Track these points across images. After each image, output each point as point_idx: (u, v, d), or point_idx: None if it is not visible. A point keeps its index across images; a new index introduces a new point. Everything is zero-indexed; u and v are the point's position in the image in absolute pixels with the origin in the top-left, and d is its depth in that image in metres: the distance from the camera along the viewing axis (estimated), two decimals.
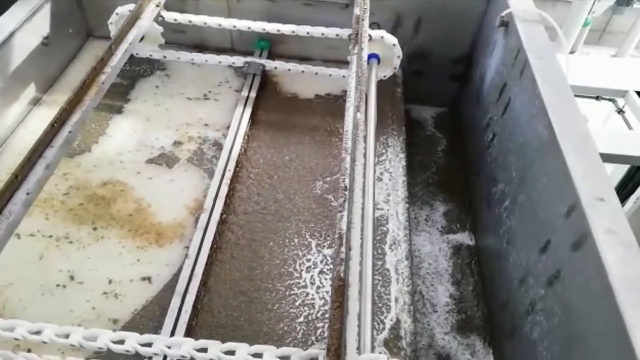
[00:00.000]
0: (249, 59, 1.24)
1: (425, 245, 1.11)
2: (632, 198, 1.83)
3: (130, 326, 0.80)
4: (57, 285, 0.85)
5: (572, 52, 3.03)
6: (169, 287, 0.85)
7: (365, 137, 0.92)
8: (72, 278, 0.87)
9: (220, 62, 1.21)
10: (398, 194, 1.07)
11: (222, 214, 0.96)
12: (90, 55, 1.35)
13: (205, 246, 0.90)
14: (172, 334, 0.78)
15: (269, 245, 0.94)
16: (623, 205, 1.95)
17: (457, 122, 1.40)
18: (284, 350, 0.60)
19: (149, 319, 0.82)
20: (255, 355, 0.60)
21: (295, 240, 0.95)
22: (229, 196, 1.00)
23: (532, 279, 0.80)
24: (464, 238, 1.13)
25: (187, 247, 0.91)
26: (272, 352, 0.60)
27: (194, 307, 0.82)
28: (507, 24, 1.04)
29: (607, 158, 1.41)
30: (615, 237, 0.62)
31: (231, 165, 1.04)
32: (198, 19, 1.12)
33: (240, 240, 0.94)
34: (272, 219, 0.98)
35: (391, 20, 1.28)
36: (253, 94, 1.22)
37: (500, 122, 1.03)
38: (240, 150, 1.09)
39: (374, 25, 1.29)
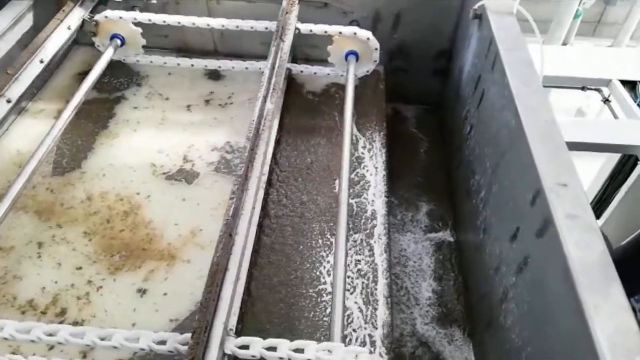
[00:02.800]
0: None
1: (410, 245, 1.14)
2: (624, 188, 1.83)
3: None
4: None
5: (564, 44, 3.03)
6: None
7: (343, 129, 0.94)
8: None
9: (247, 67, 1.22)
10: (379, 187, 1.08)
11: (260, 218, 0.97)
12: (74, 62, 1.37)
13: (248, 250, 0.90)
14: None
15: (299, 249, 0.95)
16: (615, 195, 1.95)
17: (441, 120, 1.41)
18: (161, 335, 0.64)
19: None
20: (131, 340, 0.63)
21: (320, 241, 0.96)
22: (257, 200, 1.00)
23: (505, 267, 0.80)
24: (446, 236, 1.15)
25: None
26: (148, 337, 0.63)
27: (240, 310, 0.83)
28: (480, 16, 1.05)
29: (592, 147, 1.42)
30: (576, 222, 0.63)
31: (265, 169, 1.05)
32: (143, 16, 1.14)
33: (275, 245, 0.95)
34: (299, 221, 1.00)
35: (370, 17, 1.29)
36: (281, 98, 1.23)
37: (476, 114, 1.04)
38: (272, 153, 1.10)
39: (353, 22, 1.30)
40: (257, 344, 0.62)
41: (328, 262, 0.93)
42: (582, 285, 0.57)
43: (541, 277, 0.67)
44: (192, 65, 1.23)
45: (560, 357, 0.61)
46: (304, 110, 1.25)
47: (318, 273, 0.91)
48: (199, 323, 0.60)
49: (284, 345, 0.62)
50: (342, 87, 1.31)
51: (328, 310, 0.86)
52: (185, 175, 1.06)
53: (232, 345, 0.63)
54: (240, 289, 0.67)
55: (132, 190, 1.03)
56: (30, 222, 0.96)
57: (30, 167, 0.86)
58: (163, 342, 0.63)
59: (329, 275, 0.91)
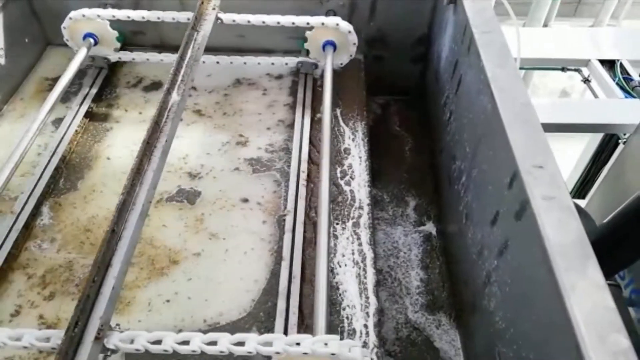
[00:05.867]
0: (300, 58, 1.25)
1: (401, 237, 1.16)
2: (607, 167, 1.85)
3: None
4: None
5: (545, 25, 3.03)
6: (268, 292, 0.86)
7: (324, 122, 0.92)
8: None
9: (272, 63, 1.21)
10: (363, 177, 1.08)
11: (305, 214, 0.97)
12: (50, 63, 1.35)
13: (298, 247, 0.91)
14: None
15: (331, 242, 0.94)
16: (599, 175, 1.97)
17: (423, 108, 1.41)
18: (45, 333, 0.64)
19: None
20: (13, 338, 0.64)
21: (346, 232, 0.97)
22: (300, 196, 1.01)
23: (486, 251, 0.81)
24: (432, 227, 1.17)
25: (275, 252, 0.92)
26: (32, 335, 0.64)
27: (299, 310, 0.83)
28: (455, 0, 1.05)
29: (574, 128, 1.43)
30: (553, 203, 0.63)
31: (304, 167, 1.05)
32: (107, 13, 1.12)
33: (312, 239, 0.94)
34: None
35: (346, 6, 1.28)
36: (309, 94, 1.23)
37: (455, 100, 1.03)
38: (308, 149, 1.09)
39: (330, 12, 1.29)
40: (141, 338, 0.63)
41: (336, 250, 0.94)
42: (559, 265, 0.57)
43: (521, 259, 0.68)
44: (259, 63, 1.22)
45: (540, 337, 0.61)
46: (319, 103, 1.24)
47: (336, 263, 0.92)
48: (71, 320, 0.61)
49: (169, 338, 0.63)
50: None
51: (344, 304, 0.86)
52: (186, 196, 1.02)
53: (116, 339, 0.64)
54: (118, 283, 0.68)
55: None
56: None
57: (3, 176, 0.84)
58: (47, 340, 0.63)
59: (340, 266, 0.91)
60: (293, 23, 1.13)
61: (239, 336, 0.65)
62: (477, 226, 0.86)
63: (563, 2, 3.45)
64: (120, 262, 0.67)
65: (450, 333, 0.95)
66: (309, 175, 1.05)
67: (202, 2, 1.04)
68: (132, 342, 0.64)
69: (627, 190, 1.41)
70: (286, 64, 1.23)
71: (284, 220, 0.97)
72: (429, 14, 1.28)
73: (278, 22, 1.13)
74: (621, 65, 1.60)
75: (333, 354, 0.62)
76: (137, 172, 0.76)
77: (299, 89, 1.24)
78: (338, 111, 1.21)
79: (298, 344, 0.62)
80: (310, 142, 1.12)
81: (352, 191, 1.05)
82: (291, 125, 1.17)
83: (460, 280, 0.97)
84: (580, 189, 2.06)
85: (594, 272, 0.57)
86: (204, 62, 1.21)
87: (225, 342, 0.64)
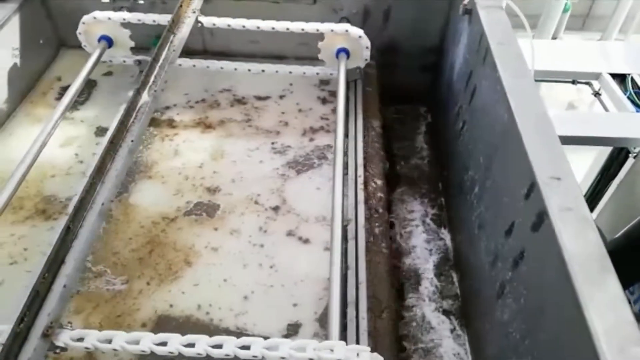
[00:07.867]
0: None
1: (417, 245, 1.16)
2: (616, 181, 1.84)
3: None
4: None
5: (553, 38, 3.04)
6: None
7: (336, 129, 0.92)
8: None
9: (317, 73, 1.21)
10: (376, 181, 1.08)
11: (366, 219, 0.96)
12: (63, 65, 1.36)
13: (361, 254, 0.90)
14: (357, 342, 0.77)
15: (381, 247, 0.94)
16: (607, 189, 1.96)
17: (434, 118, 1.41)
18: None
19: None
20: None
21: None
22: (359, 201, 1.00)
23: (500, 262, 0.80)
24: (446, 236, 1.17)
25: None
26: None
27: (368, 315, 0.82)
28: (470, 11, 1.05)
29: (583, 141, 1.42)
30: (571, 214, 0.63)
31: (360, 171, 1.05)
32: (132, 17, 1.11)
33: (370, 246, 0.93)
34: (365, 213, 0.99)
35: (359, 14, 1.28)
36: (360, 100, 1.22)
37: (469, 110, 1.03)
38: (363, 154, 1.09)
39: (343, 19, 1.30)
40: (91, 336, 0.63)
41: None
42: (577, 277, 0.57)
43: (537, 271, 0.67)
44: (208, 67, 1.21)
45: (557, 349, 0.61)
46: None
47: None
48: (18, 316, 0.61)
49: (119, 338, 0.63)
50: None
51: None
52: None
53: (66, 337, 0.64)
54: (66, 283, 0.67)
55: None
56: None
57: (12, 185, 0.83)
58: None
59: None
60: (317, 30, 1.14)
61: (244, 340, 0.64)
62: (490, 236, 0.86)
63: (571, 15, 3.46)
64: (75, 260, 0.67)
65: (462, 337, 0.95)
66: (365, 180, 1.04)
67: (181, 5, 1.04)
68: (82, 340, 0.64)
69: (637, 204, 1.40)
70: (331, 74, 1.22)
71: (347, 227, 0.95)
72: (442, 24, 1.29)
73: (287, 29, 1.14)
74: (632, 79, 1.60)
75: None
76: (99, 170, 0.75)
77: (350, 96, 1.23)
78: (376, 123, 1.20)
79: (304, 349, 0.62)
80: (363, 147, 1.11)
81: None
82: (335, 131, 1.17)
83: (472, 289, 0.96)
84: (588, 203, 2.05)
85: (613, 285, 0.56)
86: (249, 70, 1.21)
87: (230, 345, 0.63)
